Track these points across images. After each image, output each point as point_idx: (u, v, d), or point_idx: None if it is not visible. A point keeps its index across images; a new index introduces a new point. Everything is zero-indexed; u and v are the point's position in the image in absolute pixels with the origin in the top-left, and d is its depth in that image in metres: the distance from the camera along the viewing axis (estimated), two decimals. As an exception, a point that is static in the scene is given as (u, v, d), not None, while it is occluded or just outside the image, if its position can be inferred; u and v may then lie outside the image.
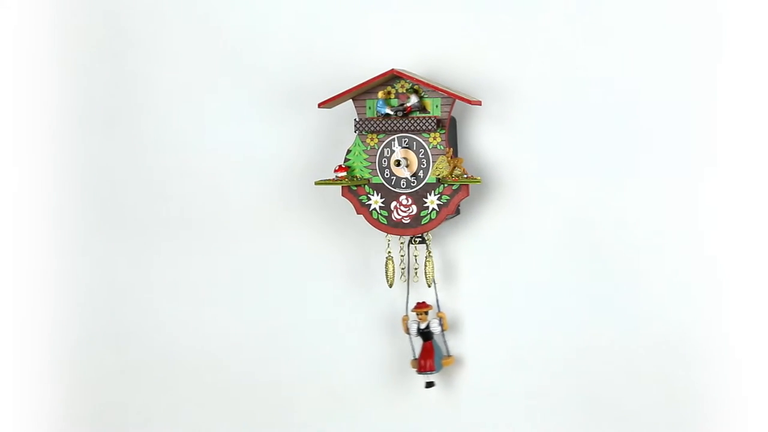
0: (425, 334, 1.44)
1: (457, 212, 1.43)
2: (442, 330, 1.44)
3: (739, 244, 1.37)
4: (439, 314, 1.44)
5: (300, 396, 1.54)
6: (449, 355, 1.46)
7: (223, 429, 1.56)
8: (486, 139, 1.43)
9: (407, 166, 1.39)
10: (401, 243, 1.45)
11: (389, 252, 1.44)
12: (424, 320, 1.43)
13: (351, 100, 1.40)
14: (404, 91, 1.38)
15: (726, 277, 1.38)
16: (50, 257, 1.58)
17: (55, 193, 1.57)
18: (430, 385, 1.45)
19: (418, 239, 1.42)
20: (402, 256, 1.45)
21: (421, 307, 1.44)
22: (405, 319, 1.45)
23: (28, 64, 1.55)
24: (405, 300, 1.46)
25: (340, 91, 1.38)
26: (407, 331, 1.44)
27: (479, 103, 1.37)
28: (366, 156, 1.41)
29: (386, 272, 1.44)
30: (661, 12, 1.37)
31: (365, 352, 1.51)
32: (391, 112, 1.38)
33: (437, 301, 1.45)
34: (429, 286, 1.44)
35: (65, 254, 1.59)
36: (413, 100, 1.37)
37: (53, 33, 1.55)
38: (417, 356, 1.46)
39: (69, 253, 1.59)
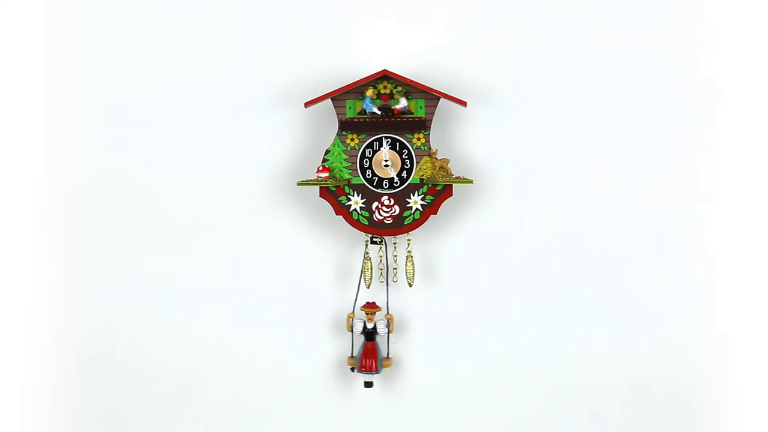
0: (369, 334, 1.45)
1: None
2: (388, 332, 1.46)
3: (738, 245, 1.46)
4: (387, 316, 1.45)
5: (286, 400, 1.51)
6: (389, 357, 1.48)
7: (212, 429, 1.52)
8: (470, 140, 1.46)
9: (386, 166, 1.39)
10: (365, 241, 1.44)
11: (367, 252, 1.44)
12: (371, 320, 1.44)
13: (330, 100, 1.38)
14: (387, 92, 1.38)
15: (722, 282, 1.46)
16: (48, 259, 1.51)
17: (53, 194, 1.50)
18: (368, 385, 1.46)
19: (377, 239, 1.42)
20: (381, 256, 1.45)
21: (371, 307, 1.44)
22: (350, 317, 1.45)
23: (20, 67, 1.49)
24: (354, 299, 1.46)
25: (326, 92, 1.38)
26: (350, 328, 1.45)
27: (464, 104, 1.39)
28: (346, 156, 1.40)
29: (364, 273, 1.43)
30: (649, 10, 1.44)
31: (346, 354, 1.50)
32: (379, 112, 1.37)
33: (387, 302, 1.46)
34: (410, 286, 1.45)
35: (61, 256, 1.51)
36: (402, 102, 1.37)
37: (45, 34, 1.48)
38: (354, 354, 1.47)
39: (62, 255, 1.51)
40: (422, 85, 1.36)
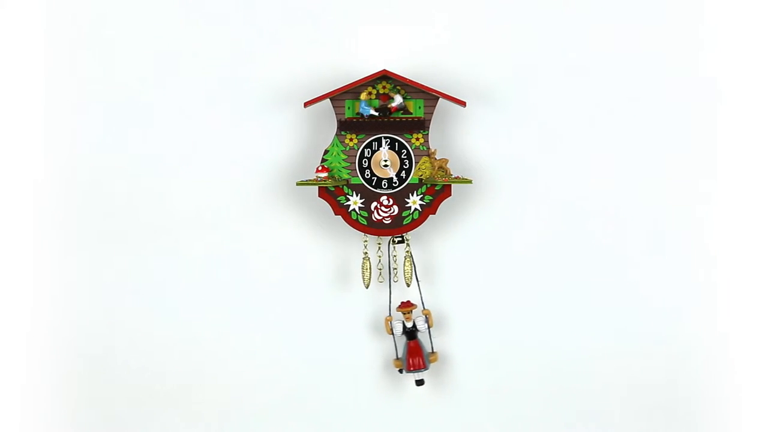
0: (410, 333, 1.45)
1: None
2: (428, 327, 1.46)
3: (738, 245, 1.46)
4: (425, 311, 1.45)
5: (286, 400, 1.51)
6: (434, 352, 1.48)
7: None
8: (469, 140, 1.45)
9: (385, 166, 1.39)
10: (378, 244, 1.45)
11: (366, 253, 1.44)
12: (410, 319, 1.44)
13: (329, 100, 1.38)
14: (386, 92, 1.38)
15: (723, 282, 1.46)
16: (48, 259, 1.51)
17: (53, 194, 1.50)
18: (420, 383, 1.46)
19: (397, 239, 1.43)
20: (380, 256, 1.45)
21: (406, 306, 1.44)
22: (388, 319, 1.45)
23: (20, 68, 1.49)
24: (387, 300, 1.46)
25: (325, 92, 1.38)
26: (390, 331, 1.45)
27: (464, 104, 1.39)
28: (345, 156, 1.40)
29: (363, 273, 1.43)
30: (649, 10, 1.44)
31: (348, 354, 1.50)
32: (376, 113, 1.37)
33: (421, 299, 1.46)
34: (408, 286, 1.44)
35: (61, 256, 1.51)
36: (398, 100, 1.37)
37: (45, 34, 1.48)
38: (399, 356, 1.47)
39: (62, 255, 1.51)
40: (421, 84, 1.36)
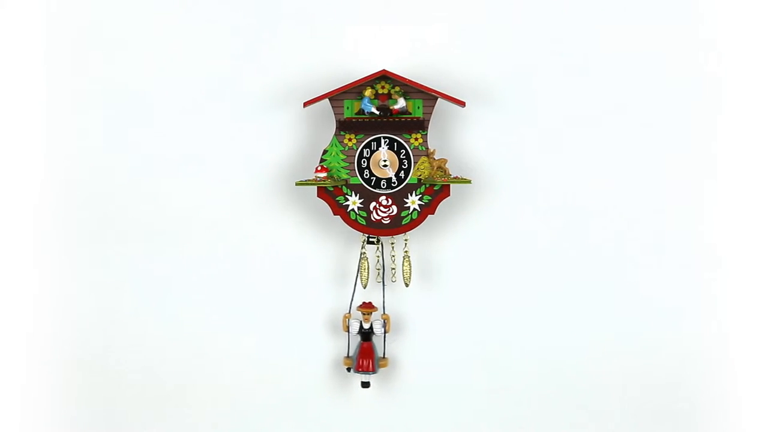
0: (365, 335, 1.45)
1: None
2: (385, 332, 1.46)
3: (739, 244, 1.47)
4: (384, 316, 1.46)
5: (284, 400, 1.51)
6: (385, 357, 1.48)
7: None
8: (468, 141, 1.46)
9: (385, 166, 1.39)
10: (361, 241, 1.44)
11: (364, 252, 1.44)
12: (368, 320, 1.44)
13: (328, 100, 1.38)
14: (384, 92, 1.38)
15: (724, 281, 1.47)
16: (48, 259, 1.51)
17: (53, 195, 1.50)
18: (365, 385, 1.46)
19: (374, 239, 1.43)
20: (378, 256, 1.46)
21: (367, 307, 1.44)
22: (347, 317, 1.45)
23: (20, 69, 1.48)
24: (350, 299, 1.46)
25: (324, 91, 1.38)
26: (347, 329, 1.45)
27: (463, 104, 1.39)
28: (344, 156, 1.40)
29: (361, 273, 1.43)
30: (648, 10, 1.45)
31: (346, 354, 1.50)
32: (377, 112, 1.37)
33: (383, 303, 1.46)
34: (407, 286, 1.45)
35: (61, 257, 1.51)
36: (401, 103, 1.37)
37: (45, 35, 1.48)
38: (350, 354, 1.47)
39: (61, 256, 1.51)
40: (420, 84, 1.36)
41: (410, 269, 1.44)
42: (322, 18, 1.46)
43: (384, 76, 1.36)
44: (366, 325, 1.45)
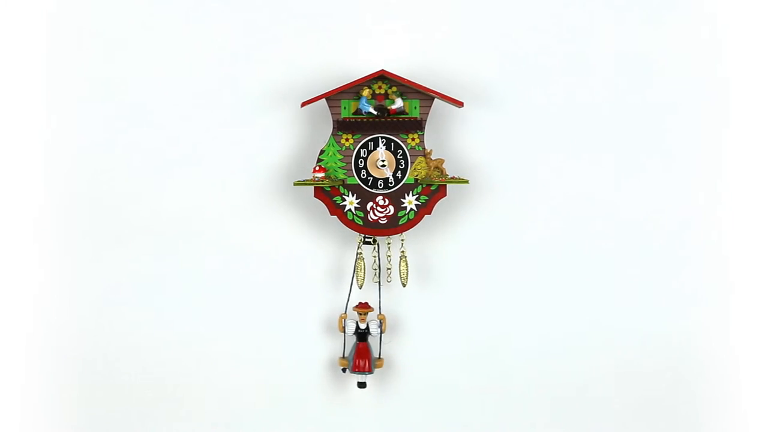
0: (362, 335, 1.45)
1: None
2: (381, 332, 1.46)
3: (738, 241, 1.48)
4: (380, 316, 1.46)
5: (282, 400, 1.51)
6: (381, 358, 1.48)
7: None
8: (465, 141, 1.47)
9: (383, 166, 1.39)
10: (357, 242, 1.44)
11: (360, 253, 1.44)
12: (364, 321, 1.44)
13: (325, 100, 1.38)
14: (381, 92, 1.38)
15: (722, 281, 1.49)
16: (48, 260, 1.49)
17: (53, 195, 1.49)
18: (362, 385, 1.46)
19: (370, 239, 1.43)
20: (374, 256, 1.46)
21: (363, 308, 1.44)
22: (343, 317, 1.45)
23: (20, 69, 1.47)
24: (346, 299, 1.47)
25: (322, 91, 1.38)
26: (343, 329, 1.45)
27: (461, 104, 1.40)
28: (341, 156, 1.40)
29: (356, 273, 1.44)
30: (647, 10, 1.46)
31: (342, 354, 1.50)
32: (374, 112, 1.38)
33: (380, 303, 1.46)
34: (404, 286, 1.45)
35: (61, 258, 1.50)
36: (398, 103, 1.38)
37: (45, 35, 1.47)
38: (346, 355, 1.47)
39: (61, 257, 1.50)
40: (418, 84, 1.37)
41: (407, 269, 1.44)
42: (319, 18, 1.46)
43: (382, 76, 1.36)
44: (362, 326, 1.45)
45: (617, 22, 1.47)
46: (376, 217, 1.41)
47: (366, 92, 1.37)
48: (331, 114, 1.39)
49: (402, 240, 1.44)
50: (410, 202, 1.41)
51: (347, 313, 1.46)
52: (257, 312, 1.49)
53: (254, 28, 1.46)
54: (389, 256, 1.45)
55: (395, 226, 1.41)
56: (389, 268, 1.45)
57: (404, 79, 1.36)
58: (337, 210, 1.41)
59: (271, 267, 1.48)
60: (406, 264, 1.44)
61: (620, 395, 1.51)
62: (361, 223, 1.41)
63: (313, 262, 1.48)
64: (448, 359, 1.51)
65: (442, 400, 1.51)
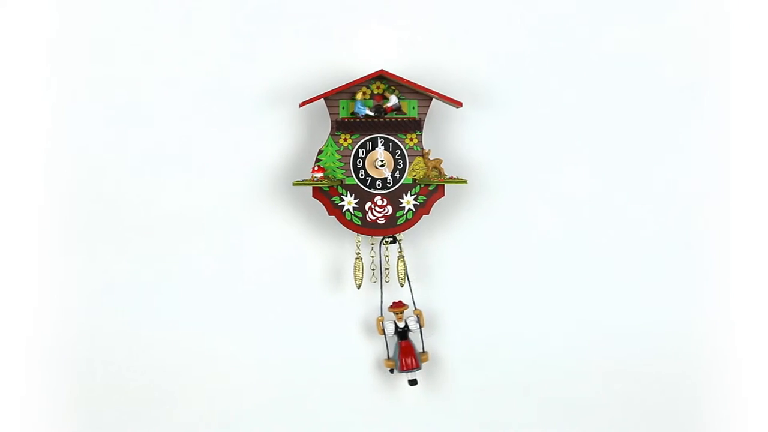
0: (402, 333, 1.45)
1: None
2: (420, 327, 1.46)
3: (739, 242, 1.49)
4: (416, 311, 1.46)
5: (280, 400, 1.51)
6: (425, 351, 1.48)
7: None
8: (463, 141, 1.47)
9: (381, 166, 1.40)
10: (372, 244, 1.45)
11: (358, 253, 1.44)
12: (401, 319, 1.45)
13: (323, 100, 1.38)
14: (380, 92, 1.39)
15: (722, 282, 1.50)
16: (47, 260, 1.49)
17: (53, 196, 1.48)
18: (413, 383, 1.46)
19: (389, 239, 1.44)
20: (372, 256, 1.46)
21: (398, 307, 1.45)
22: (380, 319, 1.46)
23: (19, 70, 1.47)
24: (379, 301, 1.47)
25: (320, 92, 1.38)
26: (382, 332, 1.45)
27: (460, 104, 1.40)
28: (339, 156, 1.40)
29: (355, 274, 1.44)
30: (645, 10, 1.47)
31: (341, 354, 1.50)
32: (371, 113, 1.38)
33: (413, 299, 1.47)
34: (401, 286, 1.45)
35: (60, 259, 1.49)
36: (393, 100, 1.38)
37: (45, 36, 1.46)
38: (391, 356, 1.47)
39: (60, 258, 1.49)
40: (417, 84, 1.37)
41: (405, 269, 1.44)
42: (317, 19, 1.46)
43: (380, 76, 1.37)
44: (401, 324, 1.45)
45: (617, 22, 1.48)
46: (374, 217, 1.41)
47: (359, 95, 1.37)
48: (330, 114, 1.39)
49: (400, 240, 1.44)
50: (408, 202, 1.41)
51: (383, 314, 1.46)
52: (255, 312, 1.49)
53: (253, 28, 1.46)
54: (387, 256, 1.46)
55: (393, 226, 1.41)
56: (387, 268, 1.45)
57: (403, 78, 1.36)
58: (335, 210, 1.41)
59: (270, 267, 1.49)
60: (404, 264, 1.44)
61: (620, 395, 1.52)
62: (360, 223, 1.41)
63: (310, 262, 1.48)
64: (445, 359, 1.51)
65: (440, 400, 1.52)
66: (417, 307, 1.47)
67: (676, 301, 1.51)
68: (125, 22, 1.45)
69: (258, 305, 1.49)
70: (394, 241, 1.44)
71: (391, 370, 1.47)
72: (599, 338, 1.51)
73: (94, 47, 1.45)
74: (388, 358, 1.48)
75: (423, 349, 1.49)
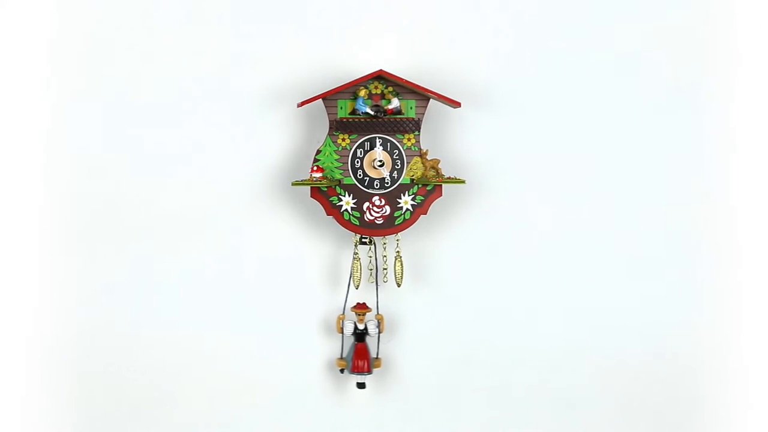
0: (360, 335, 1.45)
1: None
2: (379, 332, 1.46)
3: (740, 242, 1.49)
4: (378, 316, 1.46)
5: (278, 400, 1.51)
6: (378, 358, 1.48)
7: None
8: (461, 141, 1.47)
9: (380, 166, 1.40)
10: (354, 242, 1.45)
11: (356, 253, 1.44)
12: (362, 321, 1.45)
13: (321, 100, 1.38)
14: (378, 92, 1.39)
15: (722, 280, 1.50)
16: (46, 261, 1.49)
17: (45, 198, 1.48)
18: (361, 386, 1.46)
19: (365, 239, 1.43)
20: (370, 257, 1.46)
21: (361, 308, 1.45)
22: (341, 318, 1.45)
23: (19, 70, 1.47)
24: (344, 300, 1.47)
25: (319, 92, 1.38)
26: (341, 330, 1.45)
27: (458, 104, 1.40)
28: (337, 156, 1.40)
29: (353, 274, 1.44)
30: (644, 10, 1.47)
31: (340, 354, 1.50)
32: (372, 112, 1.38)
33: (377, 303, 1.47)
34: (399, 286, 1.45)
35: (60, 259, 1.49)
36: (395, 103, 1.38)
37: (45, 36, 1.46)
38: (344, 356, 1.47)
39: (60, 258, 1.49)
40: (416, 84, 1.37)
41: (402, 269, 1.44)
42: (316, 19, 1.47)
43: (379, 76, 1.37)
44: (360, 326, 1.45)
45: (615, 22, 1.48)
46: (372, 217, 1.41)
47: (363, 93, 1.38)
48: (328, 114, 1.39)
49: (397, 240, 1.44)
50: (406, 202, 1.41)
51: (345, 313, 1.46)
52: (254, 312, 1.49)
53: (252, 28, 1.47)
54: (385, 256, 1.46)
55: (391, 226, 1.41)
56: (385, 269, 1.45)
57: (402, 78, 1.36)
58: (333, 210, 1.41)
59: (268, 267, 1.49)
60: (401, 264, 1.44)
61: (619, 394, 1.52)
62: (358, 224, 1.41)
63: (309, 262, 1.49)
64: (445, 358, 1.51)
65: (437, 399, 1.52)
66: (380, 312, 1.47)
67: (676, 300, 1.51)
68: (125, 22, 1.46)
69: (256, 304, 1.49)
70: (370, 242, 1.43)
71: (342, 370, 1.47)
72: (599, 338, 1.51)
73: (94, 47, 1.46)
74: (341, 357, 1.47)
75: (377, 354, 1.48)
